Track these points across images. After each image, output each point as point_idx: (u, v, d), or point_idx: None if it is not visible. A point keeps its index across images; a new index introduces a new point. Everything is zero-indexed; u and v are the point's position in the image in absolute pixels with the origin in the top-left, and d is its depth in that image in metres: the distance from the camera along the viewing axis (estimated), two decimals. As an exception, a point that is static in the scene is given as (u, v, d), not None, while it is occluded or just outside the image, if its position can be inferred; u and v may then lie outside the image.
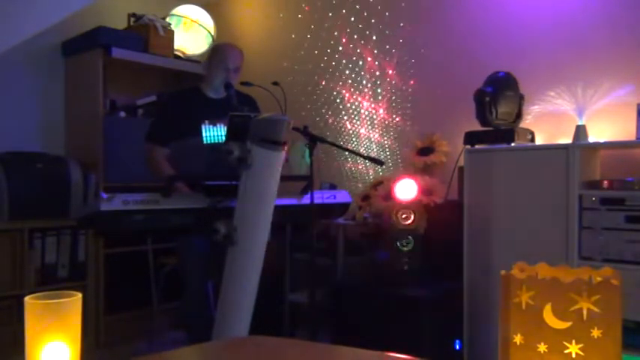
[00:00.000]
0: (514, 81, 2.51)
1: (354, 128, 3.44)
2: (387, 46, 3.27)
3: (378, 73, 3.32)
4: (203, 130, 2.57)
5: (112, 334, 3.28)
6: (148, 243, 3.19)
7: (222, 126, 2.58)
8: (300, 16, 3.71)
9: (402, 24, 3.21)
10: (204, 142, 2.57)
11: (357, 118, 3.42)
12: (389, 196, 2.85)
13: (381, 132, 3.32)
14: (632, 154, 2.41)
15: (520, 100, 2.53)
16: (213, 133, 2.59)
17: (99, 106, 3.33)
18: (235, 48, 2.78)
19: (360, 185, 3.39)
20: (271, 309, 3.06)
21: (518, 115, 2.53)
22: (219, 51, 2.75)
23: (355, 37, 3.41)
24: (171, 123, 2.63)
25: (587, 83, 2.50)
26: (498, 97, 2.45)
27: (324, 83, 3.56)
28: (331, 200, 2.55)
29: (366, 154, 3.19)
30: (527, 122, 2.65)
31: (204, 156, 2.56)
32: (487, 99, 2.44)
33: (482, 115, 2.48)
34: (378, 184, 3.13)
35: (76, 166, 3.21)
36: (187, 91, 2.81)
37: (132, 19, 3.63)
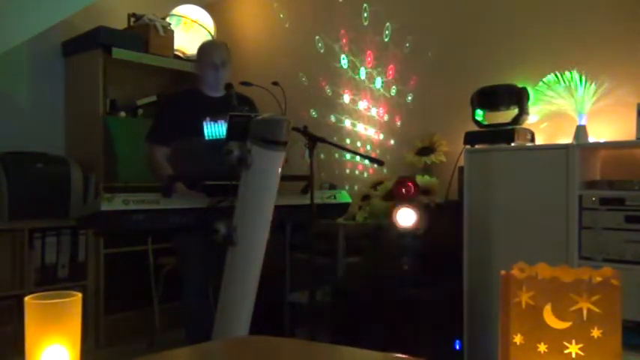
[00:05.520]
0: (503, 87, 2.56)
1: (354, 128, 3.44)
2: (388, 46, 3.27)
3: (378, 72, 3.32)
4: (204, 127, 2.58)
5: (112, 334, 3.28)
6: (148, 243, 3.19)
7: (223, 123, 2.58)
8: (300, 16, 3.71)
9: (402, 23, 3.21)
10: (207, 138, 2.59)
11: (357, 118, 3.42)
12: (389, 196, 2.85)
13: (381, 132, 3.32)
14: (632, 154, 2.41)
15: (510, 96, 2.53)
16: (215, 130, 2.60)
17: (99, 106, 3.33)
18: (217, 42, 2.89)
19: (360, 185, 3.39)
20: (271, 309, 3.06)
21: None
22: (202, 50, 2.81)
23: (355, 36, 3.41)
24: (171, 122, 2.64)
25: (587, 83, 2.50)
26: (483, 98, 2.55)
27: (324, 83, 3.56)
28: (331, 200, 2.55)
29: (366, 154, 3.19)
30: (527, 122, 2.64)
31: (203, 156, 2.56)
32: (473, 101, 2.55)
33: (472, 117, 2.57)
34: (378, 184, 3.13)
35: (76, 166, 3.21)
36: (187, 91, 2.86)
37: (132, 19, 3.63)
